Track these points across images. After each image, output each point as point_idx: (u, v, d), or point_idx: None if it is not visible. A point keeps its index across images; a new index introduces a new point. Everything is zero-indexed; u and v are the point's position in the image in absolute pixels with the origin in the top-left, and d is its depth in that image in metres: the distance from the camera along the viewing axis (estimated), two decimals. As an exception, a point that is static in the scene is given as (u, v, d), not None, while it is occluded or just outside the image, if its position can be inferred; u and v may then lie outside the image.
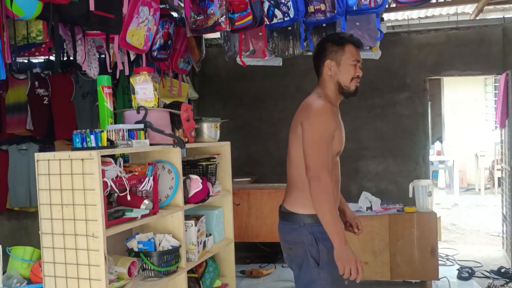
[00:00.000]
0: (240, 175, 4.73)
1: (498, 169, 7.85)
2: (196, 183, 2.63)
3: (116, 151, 2.04)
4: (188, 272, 2.69)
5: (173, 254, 2.43)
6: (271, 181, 4.62)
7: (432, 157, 7.44)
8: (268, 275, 4.48)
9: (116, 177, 2.07)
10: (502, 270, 4.24)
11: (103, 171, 1.96)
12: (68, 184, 1.96)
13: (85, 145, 1.99)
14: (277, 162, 5.08)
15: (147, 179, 2.23)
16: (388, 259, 3.88)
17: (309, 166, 2.01)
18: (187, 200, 2.62)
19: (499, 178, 7.43)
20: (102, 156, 1.96)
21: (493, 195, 8.42)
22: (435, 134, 9.54)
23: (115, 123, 2.42)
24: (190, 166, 2.87)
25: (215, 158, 2.99)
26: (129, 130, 2.19)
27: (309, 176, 2.01)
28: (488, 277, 4.21)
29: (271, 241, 4.13)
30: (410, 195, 4.00)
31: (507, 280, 4.09)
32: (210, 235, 2.98)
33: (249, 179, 4.81)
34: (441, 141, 8.70)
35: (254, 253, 4.98)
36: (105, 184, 1.96)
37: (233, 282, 3.24)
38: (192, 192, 2.63)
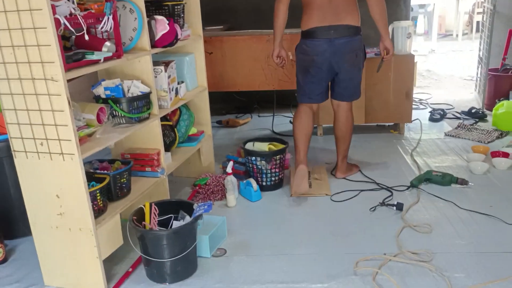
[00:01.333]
0: (211, 24, 4.46)
1: (478, 12, 7.66)
2: (162, 25, 2.43)
3: (65, -16, 1.79)
4: (162, 120, 2.63)
5: (143, 101, 2.33)
6: (246, 29, 4.36)
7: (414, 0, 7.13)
8: (244, 125, 4.51)
9: (70, 14, 1.86)
10: (473, 111, 4.35)
11: (53, 7, 1.73)
12: (15, 23, 1.74)
13: (27, -23, 1.73)
14: (252, 7, 4.77)
15: (106, 18, 2.02)
16: (364, 103, 3.89)
17: None
18: (153, 44, 2.44)
19: (478, 22, 7.28)
20: (49, -10, 1.72)
21: (471, 41, 8.36)
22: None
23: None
24: (154, 7, 2.63)
25: (182, -3, 2.73)
26: (78, -40, 1.91)
27: None
28: (459, 118, 4.32)
29: (248, 90, 4.04)
30: (389, 37, 3.85)
31: (477, 120, 4.22)
32: (182, 82, 2.87)
33: (221, 27, 4.55)
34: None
35: (230, 104, 4.96)
36: (57, 22, 1.75)
37: (209, 129, 3.24)
38: (158, 35, 2.44)
